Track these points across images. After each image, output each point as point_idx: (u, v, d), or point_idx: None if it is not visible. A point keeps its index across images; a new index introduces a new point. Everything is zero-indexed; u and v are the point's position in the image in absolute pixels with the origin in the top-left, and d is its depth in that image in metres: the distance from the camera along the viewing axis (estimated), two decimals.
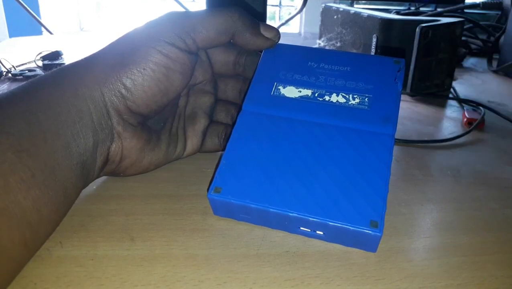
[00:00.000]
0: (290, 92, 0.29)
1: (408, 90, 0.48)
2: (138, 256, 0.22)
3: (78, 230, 0.24)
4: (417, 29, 0.45)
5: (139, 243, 0.23)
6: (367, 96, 0.28)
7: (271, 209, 0.24)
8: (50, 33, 0.81)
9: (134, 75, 0.25)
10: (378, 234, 0.22)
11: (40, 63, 0.56)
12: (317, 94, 0.29)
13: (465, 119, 0.43)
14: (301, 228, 0.24)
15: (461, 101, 0.49)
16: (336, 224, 0.23)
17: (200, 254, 0.23)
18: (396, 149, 0.37)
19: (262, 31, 0.30)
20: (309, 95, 0.29)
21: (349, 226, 0.23)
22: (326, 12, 0.61)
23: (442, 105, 0.50)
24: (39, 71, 0.53)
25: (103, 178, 0.29)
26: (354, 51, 0.55)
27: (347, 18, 0.56)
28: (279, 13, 1.36)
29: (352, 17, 0.55)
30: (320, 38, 0.63)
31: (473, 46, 0.78)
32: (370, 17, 0.51)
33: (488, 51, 0.71)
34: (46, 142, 0.21)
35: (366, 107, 0.28)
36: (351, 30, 0.55)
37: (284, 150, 0.26)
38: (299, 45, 0.32)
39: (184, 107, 0.32)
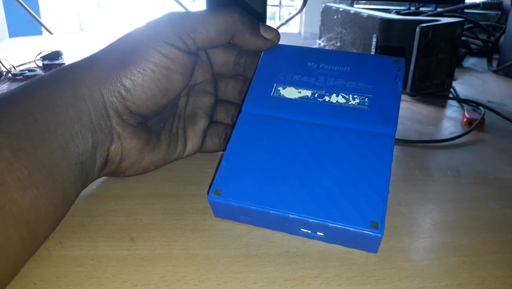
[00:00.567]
0: (290, 93, 0.29)
1: (408, 90, 0.48)
2: (138, 256, 0.22)
3: (78, 230, 0.24)
4: (417, 29, 0.45)
5: (139, 243, 0.23)
6: (367, 96, 0.28)
7: (271, 211, 0.24)
8: (50, 33, 0.81)
9: (133, 75, 0.25)
10: (378, 235, 0.22)
11: (40, 63, 0.56)
12: (317, 95, 0.29)
13: (465, 119, 0.43)
14: (302, 229, 0.24)
15: (461, 101, 0.49)
16: (336, 225, 0.23)
17: (200, 254, 0.23)
18: (396, 149, 0.36)
19: (262, 32, 0.30)
20: (309, 95, 0.29)
21: (350, 227, 0.23)
22: (326, 12, 0.61)
23: (442, 105, 0.50)
24: (39, 71, 0.53)
25: (102, 178, 0.29)
26: (354, 51, 0.55)
27: (347, 18, 0.56)
28: (279, 13, 1.36)
29: (352, 17, 0.55)
30: (320, 38, 0.63)
31: (473, 46, 0.78)
32: (370, 17, 0.51)
33: (488, 51, 0.71)
34: (44, 142, 0.21)
35: (366, 107, 0.28)
36: (351, 30, 0.55)
37: (284, 151, 0.26)
38: (299, 45, 0.32)
39: (184, 107, 0.32)
